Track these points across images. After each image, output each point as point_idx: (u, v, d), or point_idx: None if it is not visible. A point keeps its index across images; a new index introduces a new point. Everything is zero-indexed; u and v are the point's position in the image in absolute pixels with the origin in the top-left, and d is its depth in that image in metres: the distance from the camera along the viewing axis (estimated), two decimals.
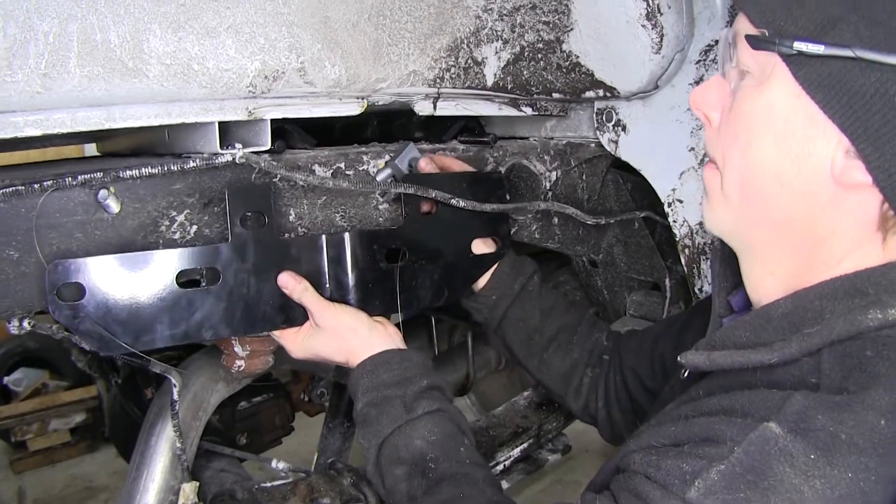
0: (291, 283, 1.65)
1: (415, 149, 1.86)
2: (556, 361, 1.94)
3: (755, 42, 1.09)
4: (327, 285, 1.72)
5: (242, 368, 1.84)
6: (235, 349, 1.81)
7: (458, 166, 1.95)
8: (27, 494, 5.79)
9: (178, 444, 1.80)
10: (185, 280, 1.54)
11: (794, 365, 1.07)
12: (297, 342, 1.72)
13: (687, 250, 2.03)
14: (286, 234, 1.69)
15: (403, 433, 1.52)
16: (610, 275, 2.46)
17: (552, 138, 2.28)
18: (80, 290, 1.43)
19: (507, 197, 2.04)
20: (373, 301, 1.77)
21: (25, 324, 1.45)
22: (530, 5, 1.81)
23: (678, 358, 1.22)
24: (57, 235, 1.44)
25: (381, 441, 1.53)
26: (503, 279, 1.96)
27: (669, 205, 2.03)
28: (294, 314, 1.69)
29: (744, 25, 1.12)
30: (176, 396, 1.73)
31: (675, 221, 2.03)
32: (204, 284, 1.57)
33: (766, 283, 1.21)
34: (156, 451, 1.87)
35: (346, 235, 1.72)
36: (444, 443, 1.51)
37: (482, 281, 1.97)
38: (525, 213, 2.16)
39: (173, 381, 1.70)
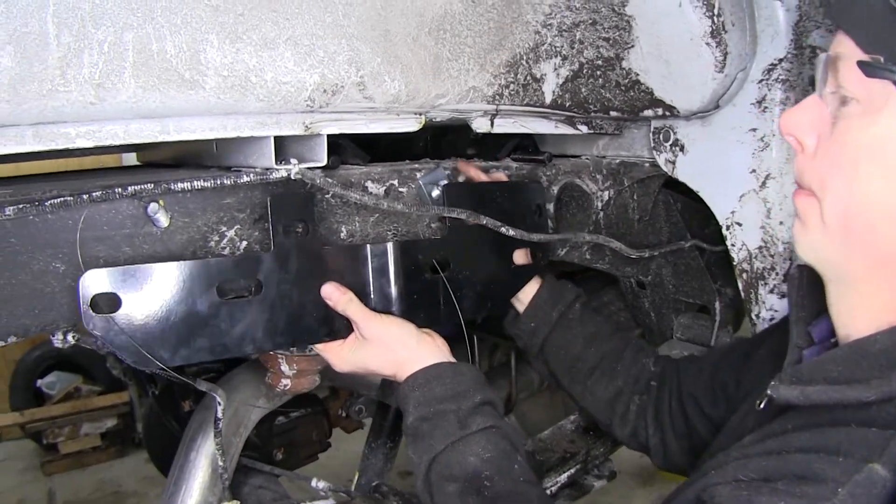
0: (336, 295, 1.59)
1: (443, 172, 1.83)
2: (600, 389, 1.91)
3: (869, 69, 1.01)
4: (371, 296, 1.68)
5: (288, 388, 1.79)
6: (282, 368, 1.75)
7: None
8: (57, 497, 5.80)
9: (220, 462, 1.75)
10: (227, 291, 1.49)
11: (890, 403, 1.01)
12: (342, 355, 1.66)
13: (745, 275, 1.96)
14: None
15: (457, 449, 1.47)
16: (658, 297, 2.40)
17: (605, 157, 2.22)
18: (115, 301, 1.37)
19: (549, 207, 2.02)
20: (417, 313, 1.73)
21: (70, 337, 1.40)
22: (590, 21, 1.75)
23: (768, 391, 1.16)
24: (104, 248, 1.39)
25: (434, 456, 1.48)
26: (541, 306, 1.94)
27: (728, 228, 1.95)
28: (338, 327, 1.64)
29: (848, 49, 1.05)
30: (220, 414, 1.68)
31: (733, 245, 1.96)
32: (246, 295, 1.51)
33: (860, 315, 1.14)
34: (195, 466, 1.82)
35: (390, 246, 1.68)
36: (499, 460, 1.47)
37: (522, 306, 1.96)
38: (569, 243, 2.11)
39: (218, 399, 1.65)
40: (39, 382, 6.59)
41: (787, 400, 1.12)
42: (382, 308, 1.69)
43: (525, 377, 2.84)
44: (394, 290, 1.70)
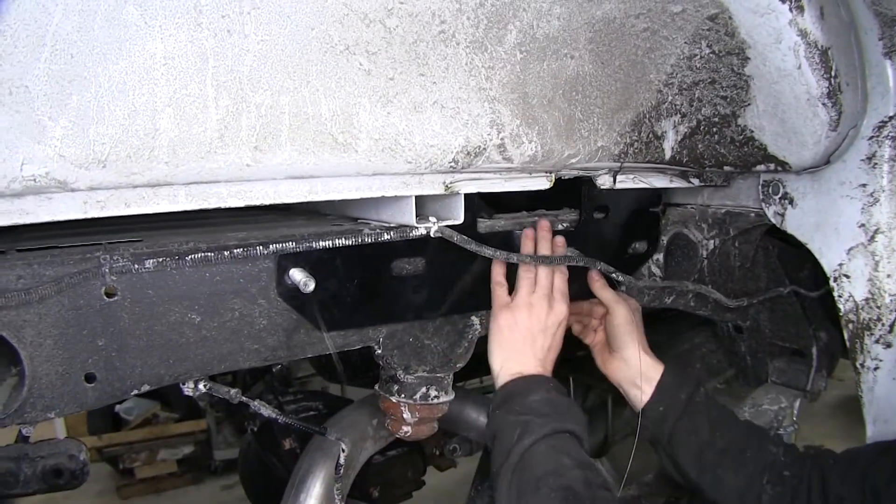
0: (498, 276, 1.69)
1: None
2: (729, 476, 1.79)
3: None
4: None
5: (409, 434, 1.74)
6: (404, 415, 1.70)
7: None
8: None
9: None
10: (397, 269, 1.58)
11: None
12: None
13: (851, 325, 1.87)
14: None
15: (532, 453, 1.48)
16: (754, 341, 2.32)
17: (710, 206, 2.14)
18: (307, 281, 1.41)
19: (658, 256, 2.08)
20: None
21: (201, 386, 1.40)
22: (709, 80, 1.68)
23: None
24: (240, 301, 1.38)
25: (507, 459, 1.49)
26: (669, 390, 1.85)
27: (835, 279, 1.87)
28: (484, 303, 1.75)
29: None
30: (342, 461, 1.65)
31: (839, 296, 1.87)
32: (413, 273, 1.59)
33: None
34: None
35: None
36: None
37: (646, 395, 1.86)
38: (675, 291, 2.08)
39: (343, 447, 1.63)
40: (118, 408, 6.55)
41: None
42: None
43: (621, 418, 2.75)
44: None
